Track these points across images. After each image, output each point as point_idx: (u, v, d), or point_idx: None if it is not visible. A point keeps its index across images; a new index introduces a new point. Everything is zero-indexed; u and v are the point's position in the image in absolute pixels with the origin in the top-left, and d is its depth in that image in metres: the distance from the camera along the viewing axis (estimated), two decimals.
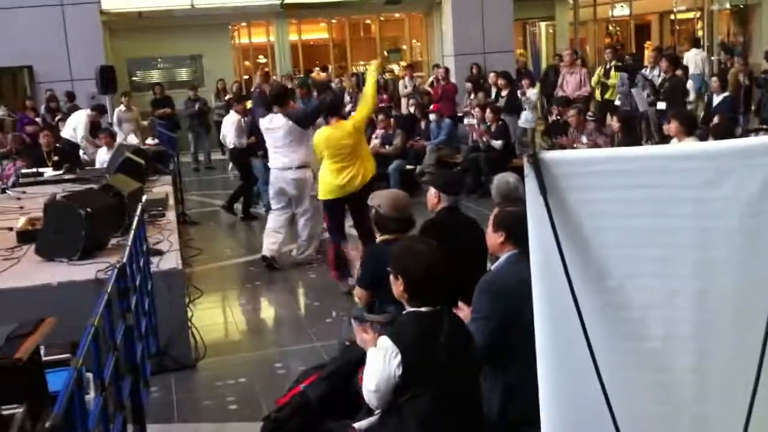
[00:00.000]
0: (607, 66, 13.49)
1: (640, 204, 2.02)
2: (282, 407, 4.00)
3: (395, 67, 18.48)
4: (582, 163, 2.08)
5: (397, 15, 20.41)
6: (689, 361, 2.06)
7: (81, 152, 11.36)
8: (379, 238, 4.62)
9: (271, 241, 8.33)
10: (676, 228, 2.01)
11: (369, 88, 7.60)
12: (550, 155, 2.05)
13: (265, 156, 8.74)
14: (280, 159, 8.10)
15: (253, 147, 10.43)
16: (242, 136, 10.73)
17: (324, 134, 7.46)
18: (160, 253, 5.97)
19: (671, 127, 7.45)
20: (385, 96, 14.38)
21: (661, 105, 11.16)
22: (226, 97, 14.88)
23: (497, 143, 11.45)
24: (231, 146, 11.03)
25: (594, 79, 13.47)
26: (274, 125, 8.07)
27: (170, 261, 5.81)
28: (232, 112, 11.22)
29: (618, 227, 2.05)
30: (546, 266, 2.08)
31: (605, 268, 2.06)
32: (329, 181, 7.36)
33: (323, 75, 17.50)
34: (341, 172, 7.28)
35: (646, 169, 2.03)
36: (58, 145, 11.06)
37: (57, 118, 13.55)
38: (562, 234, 2.03)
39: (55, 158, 10.39)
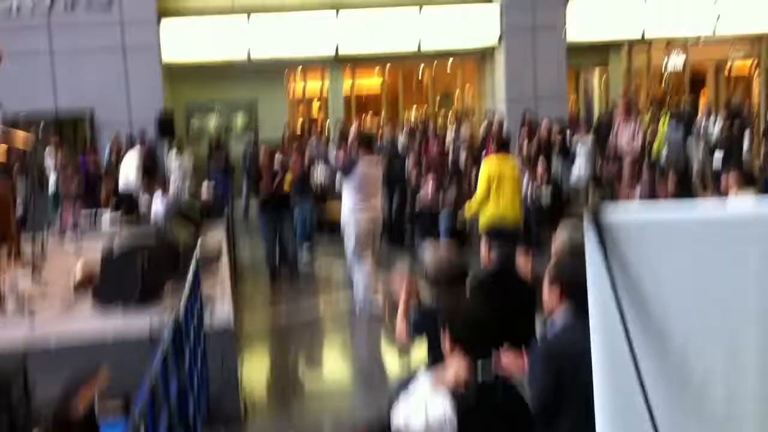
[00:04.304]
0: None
1: (703, 262, 1.97)
2: None
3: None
4: (645, 219, 2.03)
5: (450, 61, 20.48)
6: (754, 423, 2.00)
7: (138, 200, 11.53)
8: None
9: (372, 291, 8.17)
10: (739, 287, 1.96)
11: None
12: (611, 209, 2.00)
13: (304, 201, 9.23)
14: (374, 202, 8.23)
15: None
16: None
17: (495, 161, 7.92)
18: (212, 300, 6.03)
19: (729, 179, 7.34)
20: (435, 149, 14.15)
21: (718, 156, 11.01)
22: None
23: (546, 198, 11.37)
24: None
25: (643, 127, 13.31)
26: (375, 168, 8.31)
27: (222, 314, 5.85)
28: None
29: (680, 286, 2.00)
30: (605, 325, 2.03)
31: (666, 327, 2.00)
32: (491, 211, 7.58)
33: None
34: (498, 202, 7.59)
35: (711, 228, 1.98)
36: (117, 190, 11.30)
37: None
38: (622, 292, 1.99)
39: (114, 199, 10.60)
